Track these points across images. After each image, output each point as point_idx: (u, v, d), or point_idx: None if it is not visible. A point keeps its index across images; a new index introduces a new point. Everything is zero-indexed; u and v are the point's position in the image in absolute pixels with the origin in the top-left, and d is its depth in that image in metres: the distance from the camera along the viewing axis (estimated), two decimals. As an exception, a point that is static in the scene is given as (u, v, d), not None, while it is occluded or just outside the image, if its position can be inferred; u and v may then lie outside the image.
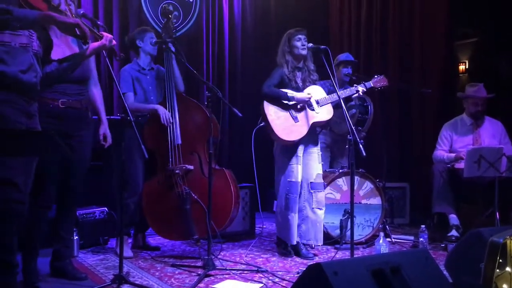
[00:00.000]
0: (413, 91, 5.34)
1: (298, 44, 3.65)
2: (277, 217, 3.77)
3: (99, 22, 3.08)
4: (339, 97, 3.35)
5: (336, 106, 3.83)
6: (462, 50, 5.80)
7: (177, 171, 3.62)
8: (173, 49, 3.69)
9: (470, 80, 5.35)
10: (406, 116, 5.60)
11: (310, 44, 3.52)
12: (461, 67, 5.78)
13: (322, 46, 3.37)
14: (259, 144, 3.92)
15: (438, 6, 5.34)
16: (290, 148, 3.66)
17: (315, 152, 3.76)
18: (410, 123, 5.58)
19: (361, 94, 3.83)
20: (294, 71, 3.70)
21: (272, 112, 3.63)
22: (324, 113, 3.68)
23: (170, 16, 3.82)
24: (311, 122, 3.64)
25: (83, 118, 3.10)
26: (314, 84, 3.75)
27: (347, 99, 3.94)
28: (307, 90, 3.69)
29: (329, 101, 3.69)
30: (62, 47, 2.88)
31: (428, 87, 4.90)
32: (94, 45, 2.71)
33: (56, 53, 2.72)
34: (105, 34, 2.73)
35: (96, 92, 3.26)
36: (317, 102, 3.67)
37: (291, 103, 3.62)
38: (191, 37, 5.60)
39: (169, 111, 3.68)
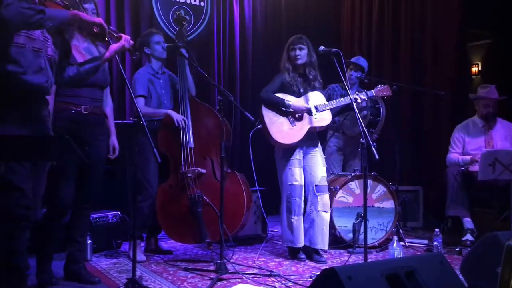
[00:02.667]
0: (426, 93, 5.30)
1: (292, 54, 3.70)
2: (281, 220, 3.77)
3: (111, 27, 3.12)
4: (351, 100, 3.35)
5: (336, 113, 3.84)
6: (475, 52, 5.76)
7: (189, 175, 3.63)
8: (186, 54, 3.71)
9: (483, 81, 5.31)
10: (419, 118, 5.57)
11: (322, 47, 3.50)
12: (474, 69, 5.74)
13: (334, 49, 3.36)
14: (269, 146, 3.91)
15: (450, 7, 5.30)
16: (290, 152, 3.69)
17: (318, 155, 3.75)
18: (423, 125, 5.54)
19: (359, 102, 3.81)
20: (295, 77, 3.72)
21: (270, 116, 3.67)
22: (322, 119, 3.69)
23: (184, 23, 3.84)
24: (308, 127, 3.66)
25: (102, 124, 3.14)
26: (316, 89, 3.75)
27: (347, 109, 3.96)
28: (309, 95, 3.70)
29: (328, 107, 3.70)
30: (74, 54, 2.92)
31: (441, 89, 4.86)
32: (114, 46, 2.73)
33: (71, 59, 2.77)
34: (123, 35, 2.76)
35: (109, 100, 3.29)
36: (316, 108, 3.67)
37: (289, 110, 3.65)
38: (202, 41, 5.63)
39: (182, 115, 3.69)
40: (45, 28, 2.34)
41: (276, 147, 3.77)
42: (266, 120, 3.66)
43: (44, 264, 2.96)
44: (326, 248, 3.69)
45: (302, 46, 3.69)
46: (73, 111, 2.94)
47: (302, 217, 3.68)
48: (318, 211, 3.66)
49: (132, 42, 2.79)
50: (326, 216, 3.69)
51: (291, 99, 3.66)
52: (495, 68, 5.39)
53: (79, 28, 2.59)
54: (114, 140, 3.31)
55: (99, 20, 2.52)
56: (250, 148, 3.75)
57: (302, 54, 3.68)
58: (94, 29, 2.50)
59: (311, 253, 3.68)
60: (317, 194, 3.67)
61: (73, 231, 3.13)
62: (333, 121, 4.56)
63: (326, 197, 3.70)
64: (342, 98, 3.78)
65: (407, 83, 5.33)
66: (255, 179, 3.79)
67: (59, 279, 3.09)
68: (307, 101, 3.69)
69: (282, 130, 3.65)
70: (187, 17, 4.00)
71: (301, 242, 3.66)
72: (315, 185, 3.68)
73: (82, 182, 3.04)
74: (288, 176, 3.67)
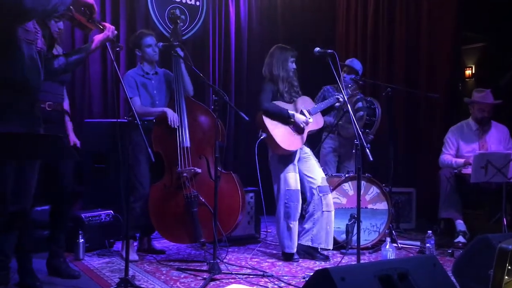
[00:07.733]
0: (420, 96, 5.32)
1: (291, 66, 3.78)
2: (277, 226, 3.77)
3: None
4: (345, 101, 3.36)
5: (324, 112, 3.94)
6: (469, 55, 5.79)
7: (185, 174, 3.62)
8: (181, 53, 3.70)
9: (477, 85, 5.33)
10: (413, 120, 5.59)
11: (317, 49, 3.51)
12: (468, 72, 5.77)
13: (329, 50, 3.38)
14: (263, 148, 3.90)
15: (445, 10, 5.33)
16: (287, 157, 3.73)
17: (311, 158, 3.83)
18: (417, 127, 5.56)
19: (341, 102, 3.87)
20: (287, 85, 3.79)
21: (274, 126, 3.70)
22: (316, 122, 3.81)
23: (178, 21, 3.83)
24: (306, 131, 3.74)
25: (62, 121, 3.12)
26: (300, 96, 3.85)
27: (331, 108, 4.01)
28: (298, 101, 3.79)
29: (318, 110, 3.82)
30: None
31: (435, 92, 4.88)
32: (98, 37, 2.69)
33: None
34: (107, 25, 2.71)
35: (66, 96, 3.27)
36: (309, 112, 3.77)
37: (291, 120, 3.70)
38: (198, 40, 5.62)
39: (177, 114, 3.69)
40: (59, 13, 2.29)
41: (271, 153, 3.79)
42: (271, 129, 3.66)
43: (24, 262, 2.87)
44: (331, 247, 3.74)
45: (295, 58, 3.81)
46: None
47: (297, 222, 3.70)
48: (323, 211, 3.70)
49: (115, 32, 2.73)
50: (331, 216, 3.73)
51: (288, 108, 3.72)
52: (489, 71, 5.42)
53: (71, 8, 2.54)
54: (72, 137, 3.28)
55: (92, 0, 2.50)
56: (256, 157, 3.62)
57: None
58: (81, 10, 2.48)
59: (313, 252, 3.72)
60: (320, 195, 3.71)
61: (52, 228, 3.14)
62: (328, 122, 4.59)
63: (329, 197, 3.76)
64: (328, 99, 3.91)
65: (402, 85, 5.35)
66: (259, 180, 3.73)
67: (43, 275, 3.09)
68: (298, 106, 3.78)
69: (288, 138, 3.68)
70: (182, 16, 3.97)
71: (295, 247, 3.69)
72: (318, 186, 3.73)
73: (56, 181, 3.02)
74: (286, 182, 3.70)
